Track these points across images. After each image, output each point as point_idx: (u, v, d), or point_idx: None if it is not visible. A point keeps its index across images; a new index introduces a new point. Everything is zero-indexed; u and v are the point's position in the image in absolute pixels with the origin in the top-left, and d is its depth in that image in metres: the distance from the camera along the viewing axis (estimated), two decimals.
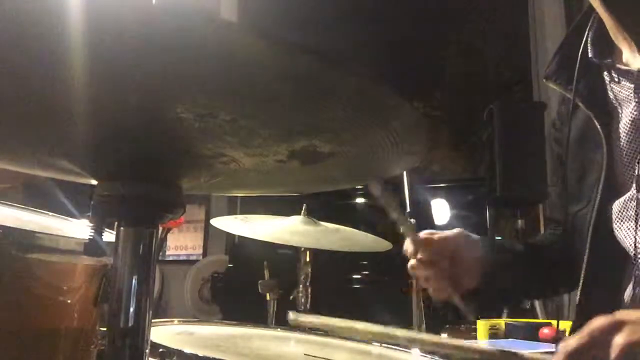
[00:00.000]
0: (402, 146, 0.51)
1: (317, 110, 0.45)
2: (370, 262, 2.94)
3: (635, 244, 0.93)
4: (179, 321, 1.27)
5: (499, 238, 1.26)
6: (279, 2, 3.99)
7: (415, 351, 1.09)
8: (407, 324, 1.80)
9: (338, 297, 2.76)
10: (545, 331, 2.24)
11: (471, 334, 2.10)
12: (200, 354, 0.90)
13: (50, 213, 1.14)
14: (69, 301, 0.89)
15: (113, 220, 0.56)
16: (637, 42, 0.95)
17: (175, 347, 0.90)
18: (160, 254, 3.84)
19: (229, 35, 0.36)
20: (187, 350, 0.91)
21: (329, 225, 1.58)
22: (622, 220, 0.95)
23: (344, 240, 1.55)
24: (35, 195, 1.82)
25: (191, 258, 4.23)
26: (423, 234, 1.07)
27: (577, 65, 1.03)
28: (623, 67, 0.99)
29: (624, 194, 0.96)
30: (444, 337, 1.26)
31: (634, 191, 0.94)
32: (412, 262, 1.06)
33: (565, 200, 1.07)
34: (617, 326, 0.67)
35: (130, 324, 0.54)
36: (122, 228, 0.55)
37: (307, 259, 1.56)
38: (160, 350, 0.89)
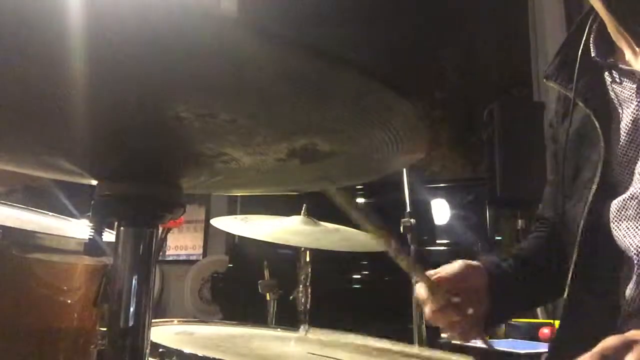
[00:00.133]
0: (402, 146, 0.51)
1: (317, 110, 0.45)
2: (370, 262, 2.94)
3: (632, 243, 0.93)
4: (179, 321, 1.27)
5: (493, 254, 1.23)
6: (279, 2, 3.99)
7: None
8: (407, 324, 1.80)
9: (338, 296, 2.76)
10: (545, 331, 2.25)
11: None
12: (200, 354, 0.90)
13: (50, 213, 1.14)
14: (69, 301, 0.89)
15: (113, 220, 0.56)
16: (638, 41, 0.95)
17: (175, 347, 0.90)
18: (160, 254, 3.84)
19: (229, 35, 0.36)
20: (187, 350, 0.91)
21: (329, 225, 1.58)
22: (620, 220, 0.95)
23: (344, 240, 1.55)
24: (35, 196, 1.82)
25: (191, 258, 4.24)
26: (430, 276, 1.02)
27: (577, 65, 1.03)
28: (626, 68, 0.99)
29: (620, 194, 0.95)
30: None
31: (635, 190, 0.94)
32: (429, 311, 1.02)
33: (562, 200, 1.06)
34: (629, 345, 0.68)
35: (130, 324, 0.54)
36: (122, 228, 0.55)
37: (307, 259, 1.56)
38: (160, 350, 0.89)
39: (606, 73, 1.03)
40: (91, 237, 0.57)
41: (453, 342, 1.61)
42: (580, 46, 1.04)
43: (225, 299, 3.26)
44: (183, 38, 0.36)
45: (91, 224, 0.57)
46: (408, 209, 1.83)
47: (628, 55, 1.00)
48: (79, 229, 1.06)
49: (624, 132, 0.97)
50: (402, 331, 1.61)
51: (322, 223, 1.57)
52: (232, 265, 3.28)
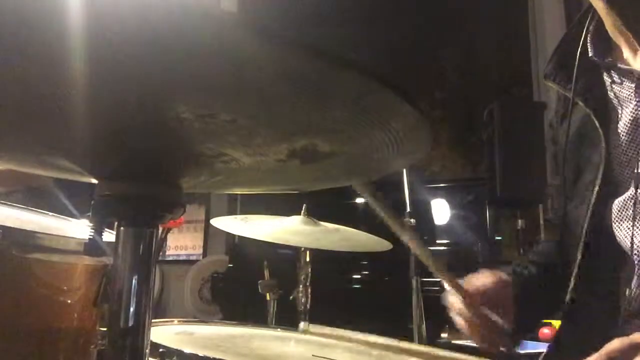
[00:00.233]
0: (402, 146, 0.51)
1: (317, 110, 0.45)
2: (370, 262, 2.94)
3: (631, 243, 0.93)
4: (179, 321, 1.27)
5: (514, 262, 1.22)
6: (279, 2, 3.99)
7: None
8: (407, 324, 1.80)
9: (338, 297, 2.76)
10: (545, 331, 2.24)
11: None
12: (200, 354, 0.90)
13: (50, 213, 1.14)
14: (69, 301, 0.89)
15: (113, 220, 0.56)
16: (638, 38, 0.95)
17: (175, 347, 0.90)
18: (160, 254, 3.84)
19: (229, 35, 0.36)
20: (187, 350, 0.91)
21: (329, 225, 1.58)
22: (621, 220, 0.95)
23: (344, 240, 1.55)
24: (35, 196, 1.83)
25: (191, 258, 4.24)
26: (465, 288, 1.03)
27: (576, 65, 1.03)
28: (624, 67, 0.99)
29: (621, 194, 0.95)
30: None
31: (634, 190, 0.94)
32: (461, 321, 1.02)
33: (563, 201, 1.06)
34: (635, 348, 0.68)
35: (130, 324, 0.54)
36: (122, 228, 0.55)
37: (307, 259, 1.56)
38: (160, 350, 0.90)
39: (605, 73, 1.03)
40: (91, 237, 0.57)
41: (453, 342, 1.61)
42: (579, 46, 1.03)
43: (225, 299, 3.26)
44: (183, 38, 0.36)
45: (91, 224, 0.57)
46: (408, 209, 1.84)
47: (626, 53, 1.00)
48: (79, 229, 1.06)
49: (624, 132, 0.97)
50: (402, 331, 1.61)
51: (322, 223, 1.57)
52: (232, 265, 3.28)
